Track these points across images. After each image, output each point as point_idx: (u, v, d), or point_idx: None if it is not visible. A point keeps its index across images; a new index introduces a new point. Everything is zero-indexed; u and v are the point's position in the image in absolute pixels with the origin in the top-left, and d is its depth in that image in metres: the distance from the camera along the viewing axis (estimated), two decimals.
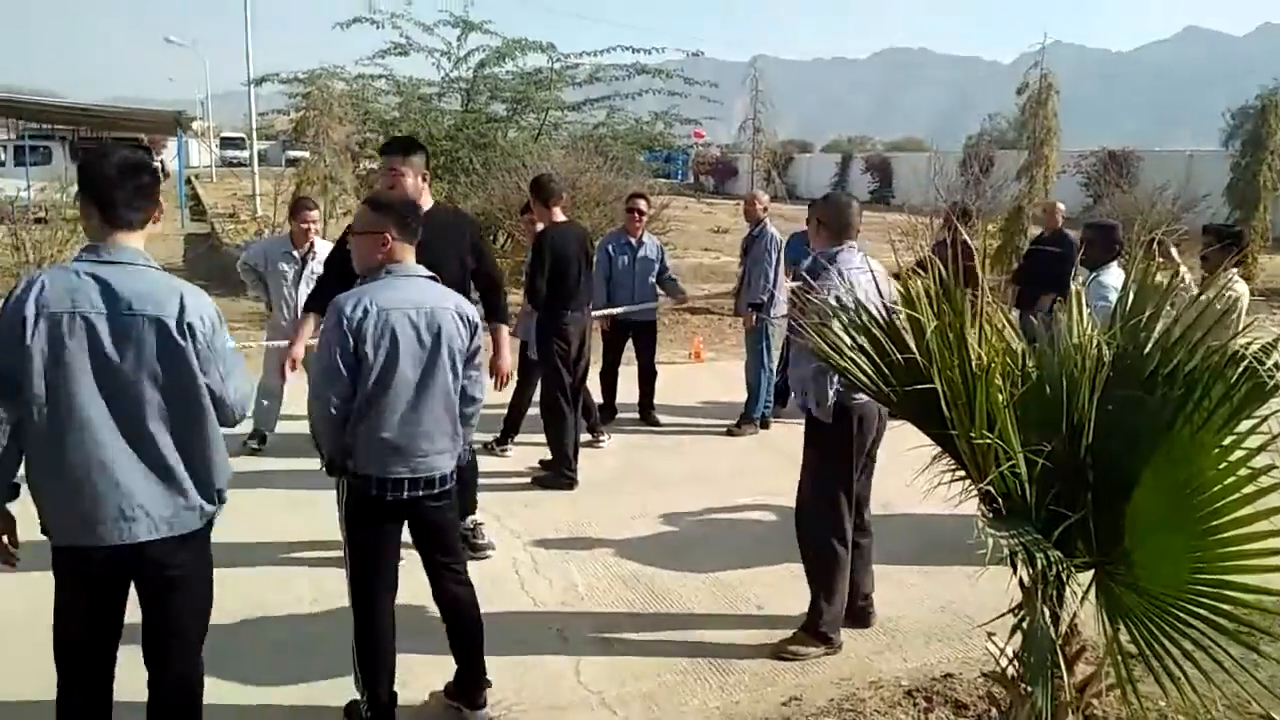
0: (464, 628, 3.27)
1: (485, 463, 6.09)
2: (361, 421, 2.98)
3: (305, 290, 6.13)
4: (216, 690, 3.47)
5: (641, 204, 7.16)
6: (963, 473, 2.58)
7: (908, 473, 2.79)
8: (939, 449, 2.64)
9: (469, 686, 3.28)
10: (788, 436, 6.98)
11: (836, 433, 3.67)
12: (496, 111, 14.74)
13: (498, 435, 6.39)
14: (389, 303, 2.97)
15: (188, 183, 28.08)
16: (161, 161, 31.36)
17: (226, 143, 50.15)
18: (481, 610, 3.28)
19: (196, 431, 2.50)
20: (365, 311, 2.93)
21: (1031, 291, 7.57)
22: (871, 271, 3.60)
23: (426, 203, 4.21)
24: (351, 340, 2.91)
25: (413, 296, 3.02)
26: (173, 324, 2.41)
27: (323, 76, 14.17)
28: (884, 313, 2.69)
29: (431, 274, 3.12)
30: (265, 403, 6.18)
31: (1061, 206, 8.80)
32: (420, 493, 3.06)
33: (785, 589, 4.31)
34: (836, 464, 3.74)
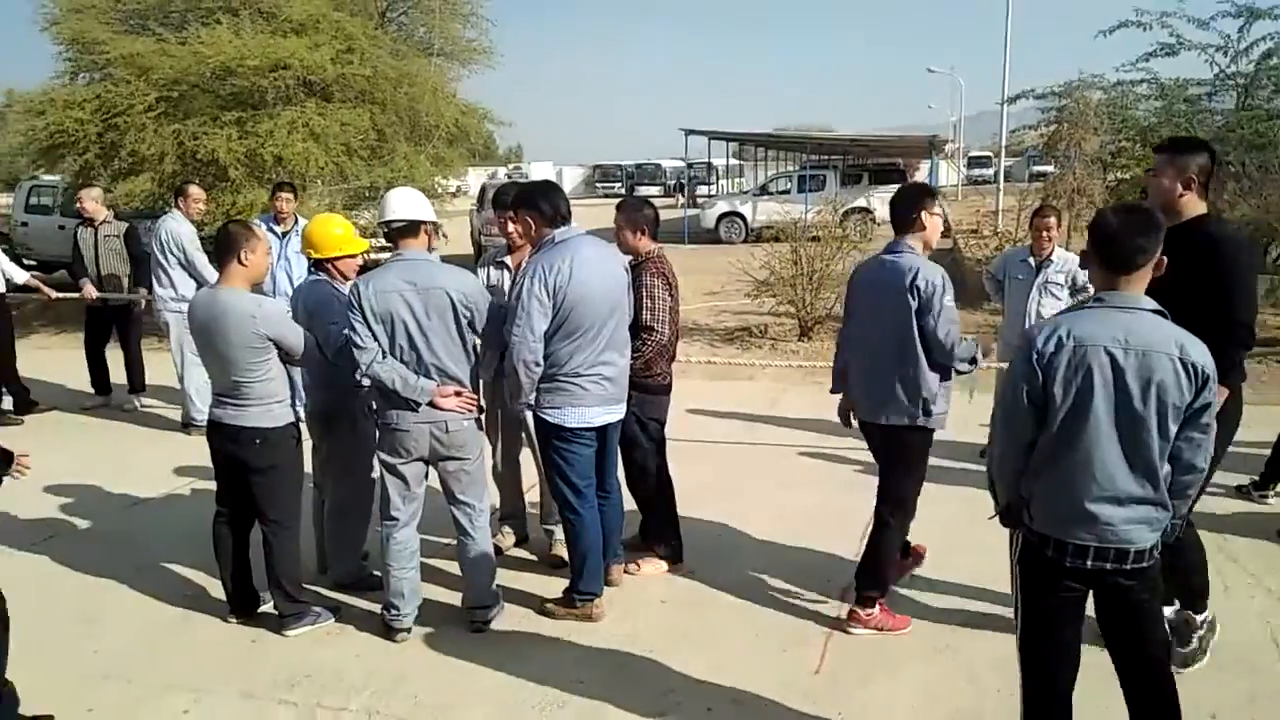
0: (1155, 701, 2.71)
1: (1233, 506, 5.42)
2: (1042, 473, 2.63)
3: (1036, 299, 6.13)
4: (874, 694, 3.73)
5: None
6: None
7: None
8: None
9: None
10: None
11: None
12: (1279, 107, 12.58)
13: (1255, 479, 5.57)
14: (1089, 337, 2.51)
15: None
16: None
17: (973, 162, 52.14)
18: (1225, 677, 2.82)
19: (912, 362, 3.82)
20: (1059, 344, 2.53)
21: None
22: None
23: (1190, 213, 3.55)
24: (1040, 376, 2.55)
25: (1122, 330, 2.51)
26: (906, 283, 3.85)
27: (1080, 87, 13.78)
28: None
29: (1158, 307, 2.56)
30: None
31: None
32: (1107, 565, 2.58)
33: None
34: None
